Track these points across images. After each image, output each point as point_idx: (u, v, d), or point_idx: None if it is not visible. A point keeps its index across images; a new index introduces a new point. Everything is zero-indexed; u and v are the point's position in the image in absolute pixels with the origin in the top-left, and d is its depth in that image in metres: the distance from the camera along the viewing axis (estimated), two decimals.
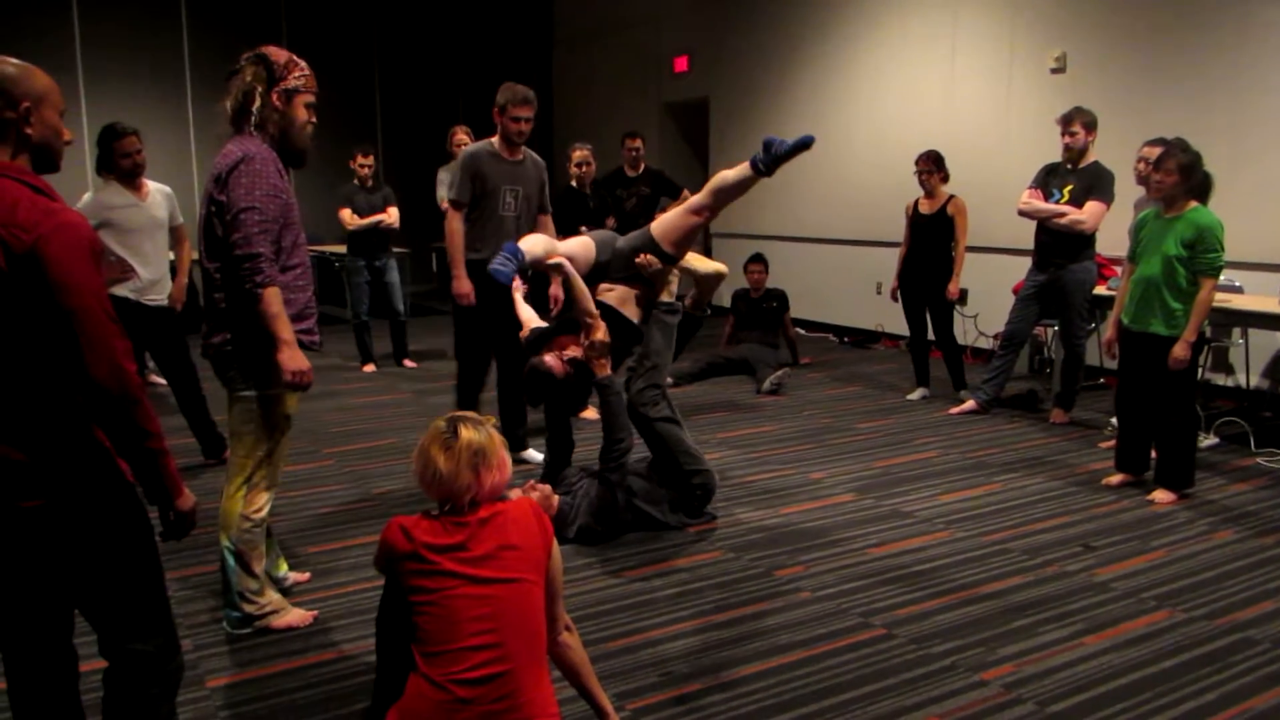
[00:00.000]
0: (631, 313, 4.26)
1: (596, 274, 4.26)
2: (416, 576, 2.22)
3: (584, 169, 6.35)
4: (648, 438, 4.36)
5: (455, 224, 4.99)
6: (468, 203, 4.96)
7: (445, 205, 5.15)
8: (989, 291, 7.98)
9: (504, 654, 2.18)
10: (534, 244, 4.07)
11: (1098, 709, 2.80)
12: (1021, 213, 5.97)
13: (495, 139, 5.03)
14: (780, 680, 2.97)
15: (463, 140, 7.71)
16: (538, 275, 4.41)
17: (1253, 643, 3.21)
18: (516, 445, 5.26)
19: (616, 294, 4.25)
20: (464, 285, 4.99)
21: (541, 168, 5.18)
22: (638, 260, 4.18)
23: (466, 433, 2.27)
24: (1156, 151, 4.85)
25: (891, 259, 7.06)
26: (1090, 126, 5.77)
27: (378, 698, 2.38)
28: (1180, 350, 4.47)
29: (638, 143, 8.13)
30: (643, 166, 8.06)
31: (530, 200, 5.08)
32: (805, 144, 3.82)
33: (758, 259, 8.15)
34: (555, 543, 2.39)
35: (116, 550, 2.10)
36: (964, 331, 8.10)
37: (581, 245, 4.28)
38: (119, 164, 4.77)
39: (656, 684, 2.96)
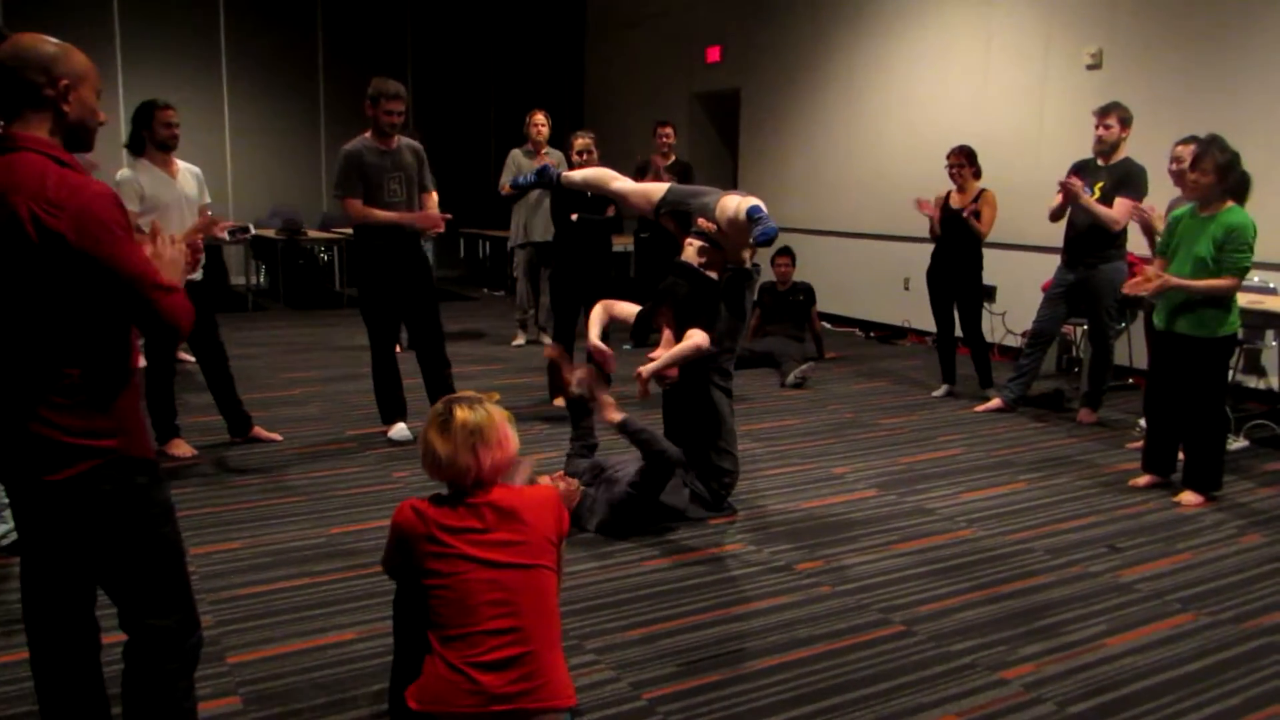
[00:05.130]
0: (710, 270, 4.30)
1: (674, 216, 4.42)
2: (432, 559, 2.21)
3: (585, 157, 6.31)
4: (702, 404, 4.34)
5: (360, 207, 5.20)
6: (359, 196, 5.17)
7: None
8: (1018, 289, 7.91)
9: (523, 637, 2.19)
10: (587, 176, 4.79)
11: (1119, 710, 2.77)
12: (1062, 185, 5.80)
13: (369, 133, 5.23)
14: (798, 674, 2.96)
15: (541, 122, 7.74)
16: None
17: (1279, 648, 3.17)
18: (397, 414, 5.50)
19: (694, 250, 4.27)
20: (430, 218, 5.30)
21: (417, 150, 5.40)
22: (699, 221, 4.28)
23: (461, 413, 2.25)
24: (1189, 150, 4.78)
25: (921, 254, 7.02)
26: (1126, 122, 5.71)
27: (395, 678, 2.39)
28: (1170, 281, 4.42)
29: (669, 130, 8.11)
30: (673, 157, 8.04)
31: (413, 183, 5.33)
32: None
33: (785, 252, 8.12)
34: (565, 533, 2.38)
35: (136, 527, 2.11)
36: (992, 329, 8.04)
37: (641, 190, 4.61)
38: (159, 133, 4.81)
39: (674, 674, 2.95)
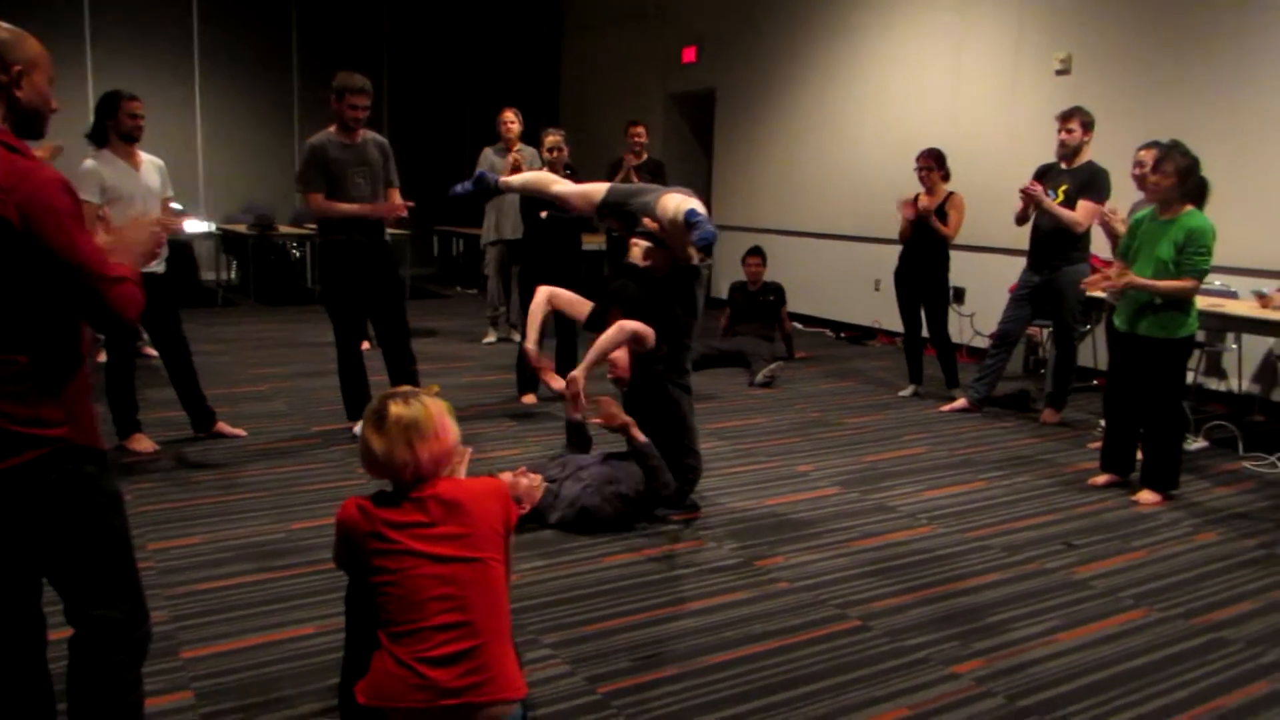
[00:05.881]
0: (657, 270, 4.31)
1: (616, 215, 4.42)
2: (378, 556, 2.21)
3: (555, 154, 6.31)
4: (662, 403, 4.36)
5: (322, 201, 5.20)
6: (322, 191, 5.19)
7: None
8: (986, 291, 7.97)
9: (471, 631, 2.18)
10: (526, 181, 4.73)
11: (1067, 704, 2.81)
12: (1023, 192, 5.88)
13: (333, 128, 5.23)
14: (752, 669, 2.98)
15: (510, 120, 7.71)
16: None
17: (1226, 643, 3.22)
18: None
19: (639, 251, 4.28)
20: (380, 207, 5.27)
21: (383, 144, 5.41)
22: (644, 221, 4.27)
23: (395, 408, 2.24)
24: (1151, 154, 4.84)
25: (891, 256, 7.05)
26: (1088, 126, 5.78)
27: (346, 673, 2.39)
28: (1134, 281, 4.48)
29: (641, 129, 8.11)
30: (645, 156, 8.04)
31: (378, 177, 5.33)
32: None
33: (756, 251, 8.15)
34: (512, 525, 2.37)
35: (84, 517, 2.10)
36: (960, 330, 8.10)
37: (581, 192, 4.52)
38: (124, 124, 4.77)
39: (628, 668, 2.97)
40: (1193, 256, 4.40)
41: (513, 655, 2.28)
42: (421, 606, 2.17)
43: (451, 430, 2.29)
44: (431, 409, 2.26)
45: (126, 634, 2.19)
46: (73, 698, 2.17)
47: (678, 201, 4.09)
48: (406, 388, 2.33)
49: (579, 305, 4.39)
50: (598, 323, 4.31)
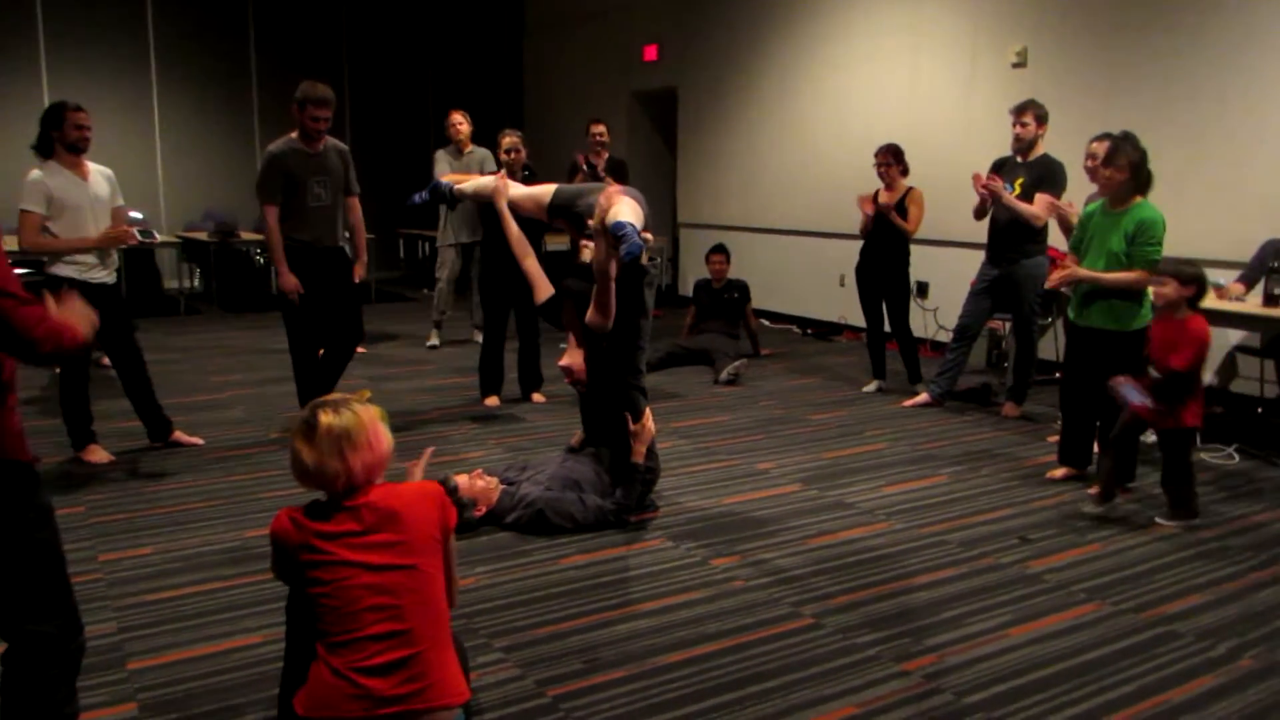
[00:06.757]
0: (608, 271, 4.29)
1: (565, 217, 4.42)
2: (312, 568, 2.18)
3: (512, 156, 6.29)
4: (620, 405, 4.35)
5: (273, 221, 5.21)
6: (279, 202, 5.19)
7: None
8: (948, 285, 8.00)
9: (409, 639, 2.17)
10: (478, 186, 4.71)
11: (1015, 699, 2.82)
12: (984, 185, 5.90)
13: (295, 134, 5.23)
14: (703, 669, 2.97)
15: (459, 121, 7.69)
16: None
17: (1176, 636, 3.23)
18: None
19: (589, 251, 4.27)
20: (290, 281, 5.23)
21: (344, 152, 5.42)
22: (589, 222, 4.21)
23: (325, 418, 2.20)
24: (1103, 146, 4.86)
25: (856, 251, 7.06)
26: (1042, 120, 5.80)
27: (285, 684, 2.37)
28: (1079, 273, 4.54)
29: (601, 128, 8.11)
30: (606, 154, 8.04)
31: (338, 186, 5.35)
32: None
33: (719, 249, 8.15)
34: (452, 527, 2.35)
35: (11, 532, 2.07)
36: (924, 325, 8.14)
37: (530, 195, 4.50)
38: (69, 135, 4.69)
39: (580, 670, 2.95)
40: (1143, 248, 4.43)
41: (453, 661, 2.26)
42: (357, 617, 2.15)
43: (384, 438, 2.27)
44: (363, 417, 2.23)
45: (60, 648, 2.17)
46: (7, 712, 2.15)
47: (614, 209, 3.99)
48: (337, 395, 2.30)
49: (541, 284, 4.35)
50: (553, 315, 4.32)
